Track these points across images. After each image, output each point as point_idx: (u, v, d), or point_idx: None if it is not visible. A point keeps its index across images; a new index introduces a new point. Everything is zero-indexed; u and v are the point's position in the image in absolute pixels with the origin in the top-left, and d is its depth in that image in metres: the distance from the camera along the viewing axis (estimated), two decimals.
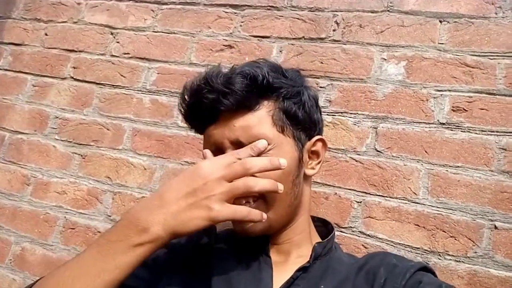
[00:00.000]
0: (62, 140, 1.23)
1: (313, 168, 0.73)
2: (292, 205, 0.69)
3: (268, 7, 1.18)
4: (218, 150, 0.67)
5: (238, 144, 0.64)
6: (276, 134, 0.66)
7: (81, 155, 1.19)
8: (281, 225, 0.70)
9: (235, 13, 1.21)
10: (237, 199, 0.62)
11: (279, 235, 0.70)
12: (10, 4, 1.48)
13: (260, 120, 0.65)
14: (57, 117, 1.26)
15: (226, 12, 1.22)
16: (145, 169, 1.13)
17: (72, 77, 1.29)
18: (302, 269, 0.66)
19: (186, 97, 0.69)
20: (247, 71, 0.64)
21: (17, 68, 1.37)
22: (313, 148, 0.73)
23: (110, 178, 1.15)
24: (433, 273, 0.66)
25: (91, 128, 1.21)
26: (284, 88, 0.68)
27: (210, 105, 0.64)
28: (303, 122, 0.70)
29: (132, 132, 1.18)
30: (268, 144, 0.64)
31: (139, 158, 1.15)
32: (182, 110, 0.72)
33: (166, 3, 1.28)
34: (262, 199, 0.64)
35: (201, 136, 1.07)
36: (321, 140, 0.74)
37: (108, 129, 1.20)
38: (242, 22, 1.20)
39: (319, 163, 0.74)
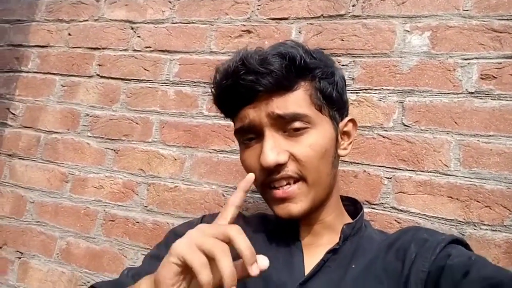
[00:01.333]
0: (94, 137, 1.27)
1: (345, 149, 0.73)
2: (331, 186, 0.70)
3: None
4: (254, 128, 0.66)
5: (277, 119, 0.64)
6: (315, 113, 0.66)
7: (114, 150, 1.24)
8: (320, 203, 0.70)
9: None
10: (276, 181, 0.63)
11: (311, 216, 0.70)
12: (32, 7, 1.52)
13: (298, 99, 0.65)
14: (87, 115, 1.30)
15: None
16: (175, 159, 1.17)
17: (98, 75, 1.33)
18: (332, 251, 0.67)
19: (220, 79, 0.68)
20: (284, 52, 0.63)
21: (45, 70, 1.42)
22: (345, 129, 0.73)
23: (143, 170, 1.19)
24: (466, 245, 0.66)
25: (121, 123, 1.25)
26: (319, 68, 0.67)
27: (248, 86, 0.63)
28: (337, 102, 0.70)
29: (160, 125, 1.21)
30: (309, 123, 0.64)
31: (168, 149, 1.18)
32: (216, 93, 0.71)
33: None
34: (303, 180, 0.64)
35: (225, 123, 1.11)
36: (352, 120, 0.75)
37: (137, 123, 1.23)
38: (259, 5, 1.19)
39: (350, 143, 0.74)
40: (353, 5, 1.09)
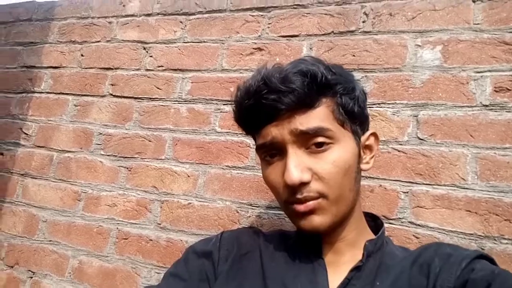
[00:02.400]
0: (107, 155, 1.28)
1: (368, 163, 0.73)
2: (354, 201, 0.69)
3: (294, 6, 1.19)
4: (277, 145, 0.66)
5: (300, 136, 0.63)
6: (338, 128, 0.65)
7: (127, 168, 1.24)
8: (343, 219, 0.69)
9: (262, 15, 1.23)
10: (301, 200, 0.63)
11: (333, 233, 0.70)
12: (45, 29, 1.55)
13: (321, 116, 0.64)
14: (100, 134, 1.31)
15: (252, 16, 1.24)
16: (188, 176, 1.17)
17: (111, 94, 1.34)
18: (356, 269, 0.65)
19: (242, 98, 0.68)
20: (305, 69, 0.63)
21: (58, 90, 1.44)
22: (367, 143, 0.73)
23: (156, 187, 1.19)
24: (491, 260, 0.64)
25: (134, 141, 1.26)
26: (340, 84, 0.67)
27: (270, 105, 0.63)
28: (358, 117, 0.69)
29: (172, 142, 1.21)
30: (332, 138, 0.64)
31: (181, 166, 1.18)
32: (238, 111, 0.71)
33: (193, 13, 1.31)
34: (324, 197, 0.64)
35: (238, 139, 1.12)
36: (374, 134, 0.74)
37: (150, 141, 1.24)
38: (269, 23, 1.21)
39: (372, 157, 0.73)
40: (363, 21, 1.10)
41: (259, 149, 0.70)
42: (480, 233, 0.88)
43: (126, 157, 1.25)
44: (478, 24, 0.99)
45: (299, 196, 0.63)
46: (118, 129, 1.30)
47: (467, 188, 0.91)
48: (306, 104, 0.64)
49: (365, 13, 1.10)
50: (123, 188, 1.23)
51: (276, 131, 0.65)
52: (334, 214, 0.65)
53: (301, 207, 0.64)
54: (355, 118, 0.69)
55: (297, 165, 0.62)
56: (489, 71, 0.95)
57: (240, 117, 0.72)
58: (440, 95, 0.98)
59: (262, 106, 0.64)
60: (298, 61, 0.69)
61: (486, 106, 0.94)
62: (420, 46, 1.03)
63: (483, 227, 0.88)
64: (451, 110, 0.96)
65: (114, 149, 1.28)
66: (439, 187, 0.93)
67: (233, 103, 0.72)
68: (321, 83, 0.64)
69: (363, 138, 0.71)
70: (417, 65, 1.02)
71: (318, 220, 0.64)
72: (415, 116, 0.99)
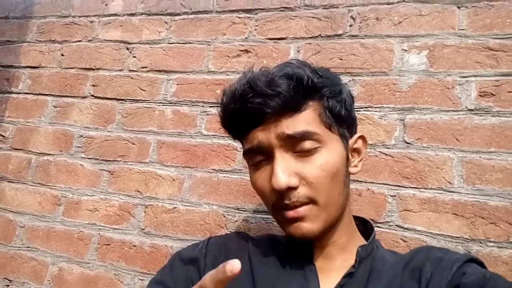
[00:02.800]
0: (89, 158, 1.24)
1: (356, 166, 0.72)
2: (344, 205, 0.69)
3: (282, 9, 1.18)
4: (263, 150, 0.65)
5: (286, 140, 0.63)
6: (325, 131, 0.65)
7: (109, 171, 1.21)
8: (333, 224, 0.68)
9: (249, 17, 1.22)
10: (290, 205, 0.62)
11: (324, 238, 0.69)
12: (23, 28, 1.50)
13: (308, 119, 0.64)
14: (81, 136, 1.27)
15: (239, 18, 1.22)
16: (173, 180, 1.14)
17: (93, 95, 1.31)
18: (348, 275, 0.65)
19: (228, 102, 0.67)
20: (291, 73, 0.63)
21: (37, 91, 1.39)
22: (355, 146, 0.72)
23: (140, 191, 1.16)
24: (481, 263, 0.65)
25: (117, 144, 1.23)
26: (327, 87, 0.67)
27: (256, 109, 0.63)
28: (345, 119, 0.69)
29: (157, 145, 1.19)
30: (320, 142, 0.63)
31: (166, 169, 1.16)
32: (224, 115, 0.70)
33: (178, 14, 1.29)
34: (313, 203, 0.63)
35: (225, 143, 1.10)
36: (362, 137, 0.74)
37: (133, 144, 1.21)
38: (256, 26, 1.20)
39: (361, 160, 0.73)
40: (350, 25, 1.10)
41: (246, 153, 0.69)
42: (466, 236, 0.89)
43: (108, 160, 1.22)
44: (463, 29, 1.01)
45: (287, 201, 0.63)
46: (100, 131, 1.26)
47: (453, 192, 0.92)
48: (292, 107, 0.63)
49: (352, 17, 1.11)
50: (105, 192, 1.19)
51: (262, 136, 0.64)
52: (324, 219, 0.64)
53: (291, 213, 0.63)
54: (342, 121, 0.68)
55: (284, 170, 0.62)
56: (474, 76, 0.97)
57: (226, 121, 0.71)
58: (426, 99, 0.99)
59: (248, 110, 0.64)
60: (284, 64, 0.68)
61: (472, 110, 0.95)
62: (406, 50, 1.04)
63: (469, 230, 0.89)
64: (437, 114, 0.97)
65: (95, 152, 1.24)
66: (426, 191, 0.94)
67: (219, 106, 0.70)
68: (307, 87, 0.63)
69: (351, 141, 0.71)
70: (404, 70, 1.02)
71: (307, 227, 0.63)
72: (402, 120, 0.99)
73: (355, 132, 0.74)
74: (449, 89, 0.98)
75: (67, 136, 1.29)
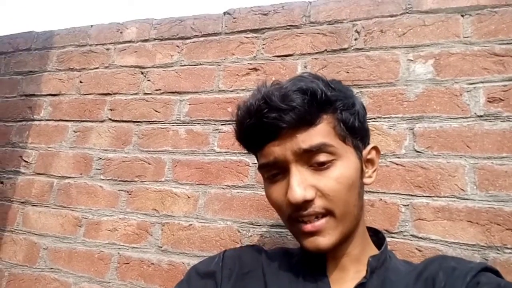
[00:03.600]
0: (107, 180, 1.28)
1: (370, 177, 0.72)
2: (358, 217, 0.69)
3: (288, 27, 1.22)
4: (279, 164, 0.66)
5: (302, 154, 0.63)
6: (339, 144, 0.65)
7: (127, 192, 1.24)
8: (348, 236, 0.68)
9: (256, 37, 1.25)
10: (304, 216, 0.63)
11: (338, 249, 0.69)
12: (44, 58, 1.58)
13: (323, 132, 0.64)
14: (100, 158, 1.32)
15: (247, 37, 1.26)
16: (188, 197, 1.17)
17: (110, 119, 1.36)
18: (360, 286, 0.65)
19: (243, 117, 0.68)
20: (305, 87, 0.63)
21: (58, 117, 1.46)
22: (369, 157, 0.73)
23: (157, 210, 1.19)
24: (496, 272, 0.64)
25: (133, 164, 1.27)
26: (340, 100, 0.67)
27: (271, 124, 0.63)
28: (359, 131, 0.69)
29: (172, 164, 1.22)
30: (335, 155, 0.64)
31: (182, 187, 1.18)
32: (239, 130, 0.71)
33: (189, 37, 1.34)
34: (331, 214, 0.63)
35: (237, 159, 1.13)
36: (375, 147, 0.74)
37: (149, 164, 1.25)
38: (264, 44, 1.24)
39: (374, 171, 0.73)
40: (355, 39, 1.13)
41: (262, 168, 0.70)
42: (482, 244, 0.88)
43: (126, 181, 1.26)
44: (468, 37, 1.01)
45: (303, 212, 0.63)
46: (118, 153, 1.30)
47: (467, 199, 0.91)
48: (307, 121, 0.64)
49: (356, 31, 1.13)
50: (123, 212, 1.22)
51: (278, 151, 0.65)
52: (340, 232, 0.64)
53: (308, 227, 0.63)
54: (356, 133, 0.69)
55: (300, 183, 0.62)
56: (481, 82, 0.97)
57: (241, 136, 0.72)
58: (434, 107, 0.99)
59: (263, 124, 0.64)
60: (297, 79, 0.69)
61: (481, 116, 0.95)
62: (412, 60, 1.05)
63: (485, 237, 0.88)
64: (446, 121, 0.97)
65: (114, 173, 1.28)
66: (439, 199, 0.93)
67: (233, 122, 0.72)
68: (321, 100, 0.64)
69: (364, 152, 0.71)
70: (410, 79, 1.03)
71: (324, 241, 0.64)
72: (411, 129, 1.00)
73: (368, 143, 0.74)
74: (457, 97, 0.98)
75: (87, 159, 1.34)
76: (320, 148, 0.63)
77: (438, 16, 1.05)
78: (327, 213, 0.63)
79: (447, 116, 0.98)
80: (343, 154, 0.65)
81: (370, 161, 0.73)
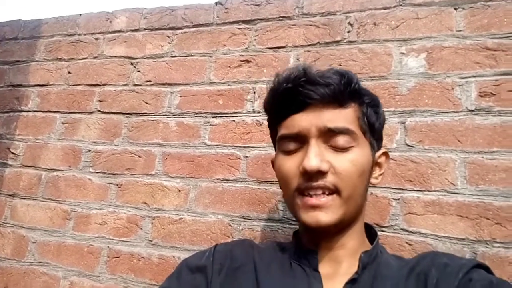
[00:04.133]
0: (97, 172, 1.27)
1: (376, 178, 0.75)
2: (361, 207, 0.71)
3: (280, 18, 1.20)
4: (300, 138, 0.68)
5: (325, 133, 0.65)
6: (360, 134, 0.68)
7: (117, 185, 1.23)
8: (346, 224, 0.69)
9: (248, 28, 1.24)
10: (313, 189, 0.64)
11: (334, 239, 0.70)
12: (31, 47, 1.54)
13: (348, 117, 0.67)
14: (89, 151, 1.30)
15: (239, 28, 1.25)
16: (179, 190, 1.16)
17: (99, 110, 1.34)
18: (351, 281, 0.65)
19: (280, 82, 0.70)
20: (343, 71, 0.68)
21: (45, 108, 1.43)
22: (379, 160, 0.75)
23: (147, 203, 1.18)
24: (487, 269, 0.65)
25: (123, 157, 1.25)
26: (369, 96, 0.71)
27: (305, 93, 0.66)
28: (377, 132, 0.73)
29: (162, 157, 1.20)
30: (354, 141, 0.66)
31: (172, 180, 1.17)
32: (271, 95, 0.73)
33: (180, 28, 1.32)
34: (338, 193, 0.65)
35: (229, 152, 1.12)
36: (386, 153, 0.77)
37: (139, 156, 1.23)
38: (256, 36, 1.22)
39: (381, 174, 0.76)
40: (348, 31, 1.11)
41: (282, 139, 0.71)
42: (472, 238, 0.88)
43: (115, 174, 1.24)
44: (460, 31, 1.01)
45: (314, 183, 0.64)
46: (107, 145, 1.28)
47: (457, 193, 0.91)
48: (338, 100, 0.67)
49: (349, 23, 1.12)
50: (113, 206, 1.21)
51: (303, 124, 0.67)
52: (342, 213, 0.65)
53: (312, 200, 0.64)
54: (374, 132, 0.72)
55: (318, 155, 0.64)
56: (473, 76, 0.97)
57: (272, 101, 0.73)
58: (426, 101, 0.99)
59: (297, 93, 0.67)
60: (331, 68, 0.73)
61: (472, 111, 0.95)
62: (404, 54, 1.04)
63: (474, 231, 0.88)
64: (438, 116, 0.97)
65: (103, 166, 1.26)
66: (430, 193, 0.93)
67: (268, 87, 0.73)
68: (355, 87, 0.67)
69: (376, 154, 0.74)
70: (403, 73, 1.03)
71: (325, 217, 0.64)
72: (403, 123, 1.00)
73: (380, 148, 0.76)
74: (449, 91, 0.98)
75: (76, 152, 1.32)
76: (343, 132, 0.66)
77: (431, 9, 1.05)
78: (335, 191, 0.65)
79: (438, 110, 0.98)
80: (360, 144, 0.68)
81: (379, 165, 0.76)
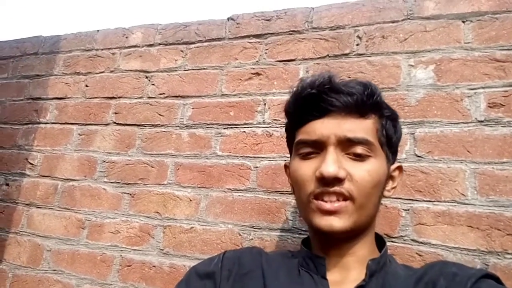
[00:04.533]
0: (111, 182, 1.30)
1: (389, 191, 0.75)
2: (373, 217, 0.71)
3: (290, 32, 1.23)
4: (318, 144, 0.68)
5: (344, 142, 0.67)
6: (378, 145, 0.69)
7: (130, 194, 1.25)
8: (357, 232, 0.70)
9: (259, 42, 1.27)
10: (327, 195, 0.65)
11: (344, 247, 0.70)
12: (51, 62, 1.60)
13: (368, 129, 0.68)
14: (104, 161, 1.33)
15: (250, 43, 1.28)
16: (190, 200, 1.17)
17: (115, 122, 1.37)
18: None
19: (304, 87, 0.71)
20: (366, 83, 0.69)
21: (63, 120, 1.48)
22: (393, 173, 0.75)
23: (159, 213, 1.20)
24: (497, 279, 0.64)
25: (137, 167, 1.28)
26: (389, 110, 0.73)
27: (328, 100, 0.67)
28: (393, 146, 0.74)
29: (175, 167, 1.23)
30: (371, 152, 0.67)
31: (184, 190, 1.19)
32: (294, 99, 0.74)
33: (193, 42, 1.36)
34: (351, 200, 0.65)
35: (239, 162, 1.13)
36: (400, 168, 0.77)
37: (152, 167, 1.26)
38: (266, 49, 1.25)
39: (394, 188, 0.76)
40: (357, 44, 1.13)
41: (300, 144, 0.72)
42: (483, 249, 0.88)
43: (129, 184, 1.27)
44: (469, 43, 1.02)
45: (330, 188, 0.65)
46: (121, 156, 1.32)
47: (467, 204, 0.91)
48: (359, 111, 0.68)
49: (358, 37, 1.14)
50: (126, 215, 1.23)
51: (322, 131, 0.68)
52: (354, 220, 0.66)
53: (327, 205, 0.65)
54: (391, 145, 0.73)
55: (335, 162, 0.65)
56: (482, 87, 0.97)
57: (294, 105, 0.74)
58: (435, 112, 1.00)
59: (320, 99, 0.68)
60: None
61: (481, 121, 0.95)
62: (413, 66, 1.05)
63: (485, 242, 0.88)
64: (447, 126, 0.98)
65: (117, 176, 1.30)
66: (440, 204, 0.93)
67: (292, 91, 0.75)
68: (376, 100, 0.69)
69: (391, 167, 0.74)
70: (412, 84, 1.04)
71: (338, 223, 0.65)
72: (412, 133, 1.00)
73: (394, 163, 0.77)
74: (458, 102, 0.98)
75: (91, 162, 1.36)
76: (362, 142, 0.67)
77: (440, 22, 1.06)
78: (349, 197, 0.65)
79: (447, 121, 0.98)
80: (377, 156, 0.69)
81: (392, 178, 0.76)
